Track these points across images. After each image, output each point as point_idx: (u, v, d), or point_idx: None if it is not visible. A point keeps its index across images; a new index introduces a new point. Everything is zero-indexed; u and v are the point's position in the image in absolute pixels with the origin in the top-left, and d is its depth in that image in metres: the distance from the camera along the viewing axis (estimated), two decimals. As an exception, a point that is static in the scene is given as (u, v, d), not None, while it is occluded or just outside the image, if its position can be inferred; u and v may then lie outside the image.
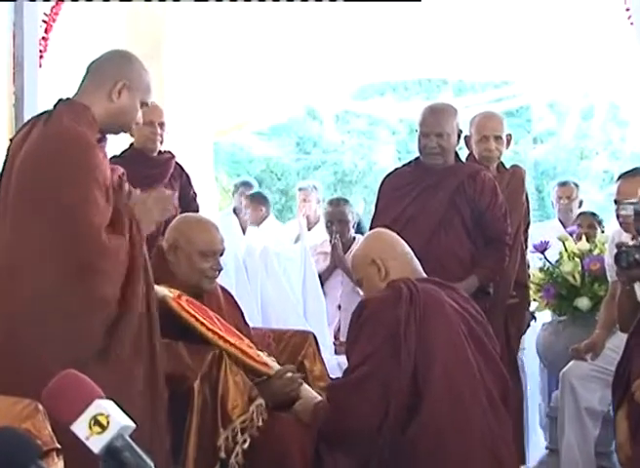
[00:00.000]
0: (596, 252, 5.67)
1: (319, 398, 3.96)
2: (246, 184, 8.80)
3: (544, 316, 6.01)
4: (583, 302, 5.57)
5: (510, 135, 5.56)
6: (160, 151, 5.60)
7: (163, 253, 4.15)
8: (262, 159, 16.87)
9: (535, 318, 5.92)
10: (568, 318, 5.69)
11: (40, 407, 2.78)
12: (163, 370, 3.42)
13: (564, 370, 5.13)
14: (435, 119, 5.10)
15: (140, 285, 3.30)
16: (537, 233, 6.28)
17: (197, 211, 5.65)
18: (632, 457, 4.03)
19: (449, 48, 8.32)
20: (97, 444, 1.71)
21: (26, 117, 4.99)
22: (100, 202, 3.23)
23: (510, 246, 5.18)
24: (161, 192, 3.53)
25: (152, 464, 1.73)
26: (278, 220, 9.47)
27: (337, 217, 6.68)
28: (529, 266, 5.73)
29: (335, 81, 8.51)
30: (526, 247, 5.62)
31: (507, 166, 5.65)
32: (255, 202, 8.44)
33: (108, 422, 1.71)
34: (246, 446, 3.68)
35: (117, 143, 5.32)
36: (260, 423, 3.73)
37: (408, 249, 4.01)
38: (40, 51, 5.97)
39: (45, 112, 3.42)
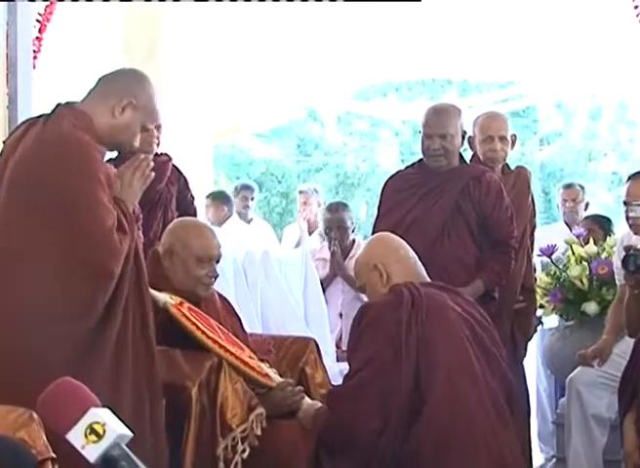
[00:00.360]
0: (604, 255, 5.59)
1: (320, 404, 3.94)
2: (247, 188, 8.72)
3: (549, 321, 5.94)
4: (591, 307, 5.52)
5: (515, 135, 5.50)
6: (156, 154, 5.52)
7: (159, 257, 4.10)
8: (263, 161, 16.91)
9: (542, 323, 5.84)
10: (575, 323, 5.65)
11: (35, 415, 2.78)
12: (160, 378, 3.38)
13: (571, 376, 5.10)
14: (439, 120, 5.04)
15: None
16: (543, 236, 6.23)
17: (195, 214, 5.59)
18: (642, 466, 4.01)
19: (453, 47, 8.31)
20: (92, 453, 1.70)
21: (20, 118, 4.97)
22: (107, 204, 3.22)
23: (517, 249, 5.11)
24: (133, 159, 3.42)
25: (149, 474, 1.72)
26: (279, 224, 9.41)
27: (335, 224, 6.62)
28: (535, 270, 5.65)
29: (336, 81, 8.49)
30: (532, 250, 5.56)
31: (512, 167, 5.57)
32: (217, 201, 8.33)
33: (104, 431, 1.71)
34: (245, 455, 3.65)
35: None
36: (260, 432, 3.68)
37: (412, 253, 3.98)
38: (34, 51, 5.97)
39: (42, 115, 3.38)
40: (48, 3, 6.24)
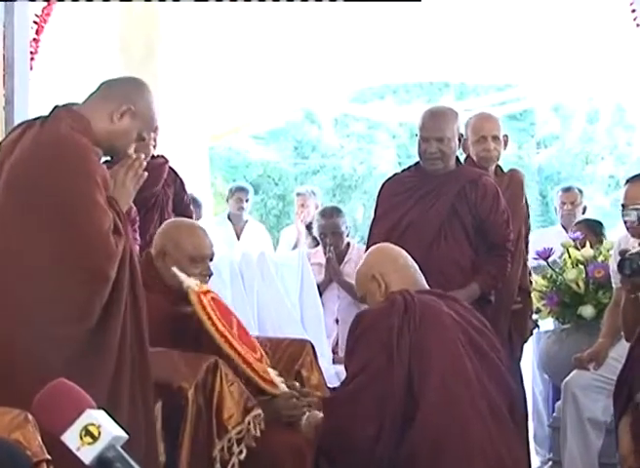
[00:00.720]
0: (600, 258, 5.59)
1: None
2: (242, 190, 8.68)
3: (545, 324, 5.94)
4: (587, 310, 5.51)
5: (507, 136, 5.51)
6: (153, 156, 5.52)
7: (152, 259, 4.10)
8: (260, 164, 16.90)
9: (538, 326, 5.83)
10: (571, 326, 5.64)
11: (30, 417, 2.77)
12: (153, 380, 3.36)
13: (566, 379, 5.10)
14: (435, 123, 5.03)
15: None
16: (539, 239, 6.22)
17: (191, 216, 5.58)
18: (637, 470, 4.00)
19: (451, 50, 8.29)
20: (88, 454, 1.69)
21: (17, 120, 4.96)
22: (104, 206, 3.21)
23: (512, 252, 5.10)
24: (126, 159, 3.41)
25: (144, 475, 1.71)
26: (276, 226, 9.41)
27: (330, 230, 6.59)
28: (531, 273, 5.64)
29: (333, 84, 8.47)
30: (527, 252, 5.56)
31: (510, 169, 5.58)
32: None
33: (100, 432, 1.70)
34: (242, 456, 3.63)
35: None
36: (258, 434, 3.67)
37: (411, 261, 3.97)
38: (31, 52, 5.96)
39: (39, 117, 3.37)
40: (45, 4, 6.23)
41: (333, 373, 5.53)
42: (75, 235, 3.16)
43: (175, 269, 3.93)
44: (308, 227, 7.57)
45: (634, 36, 6.83)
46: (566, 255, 5.70)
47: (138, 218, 5.14)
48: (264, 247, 8.14)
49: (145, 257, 4.08)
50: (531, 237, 5.68)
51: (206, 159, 8.04)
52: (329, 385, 4.47)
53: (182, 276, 3.84)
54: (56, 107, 3.36)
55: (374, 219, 5.24)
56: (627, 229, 4.80)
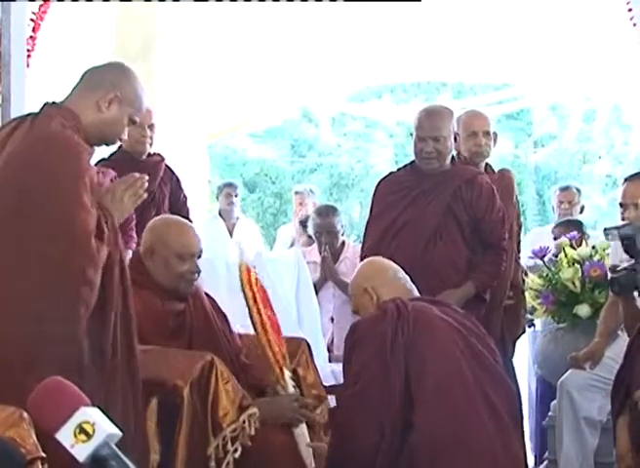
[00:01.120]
0: (596, 257, 5.58)
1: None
2: (230, 186, 8.66)
3: (538, 322, 5.95)
4: (583, 309, 5.50)
5: (496, 133, 5.53)
6: (149, 154, 5.52)
7: (140, 257, 4.10)
8: (257, 162, 16.91)
9: (534, 325, 5.82)
10: (567, 325, 5.62)
11: (25, 414, 2.77)
12: (140, 376, 3.35)
13: (562, 378, 5.09)
14: (432, 123, 5.02)
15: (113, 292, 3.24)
16: (536, 238, 6.22)
17: (188, 214, 5.57)
18: (635, 468, 4.00)
19: (448, 50, 8.28)
20: (82, 452, 1.69)
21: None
22: (90, 208, 3.19)
23: (507, 251, 5.11)
24: (129, 177, 3.41)
25: (138, 473, 1.71)
26: (273, 225, 9.41)
27: (325, 229, 6.60)
28: (527, 273, 5.64)
29: (331, 83, 8.47)
30: (519, 250, 5.60)
31: (504, 169, 5.59)
32: None
33: (94, 430, 1.70)
34: (237, 455, 3.63)
35: (105, 146, 5.23)
36: (253, 432, 3.67)
37: (401, 272, 4.02)
38: (28, 50, 5.95)
39: (30, 114, 3.37)
40: (42, 2, 6.23)
41: (328, 372, 5.53)
42: (58, 235, 3.15)
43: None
44: (303, 225, 7.57)
45: (631, 36, 6.83)
46: (562, 255, 5.71)
47: (134, 217, 5.14)
48: (257, 244, 8.15)
49: (134, 256, 4.09)
50: (527, 236, 5.69)
51: (204, 157, 8.04)
52: (324, 383, 4.47)
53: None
54: (45, 104, 3.35)
55: (369, 219, 5.24)
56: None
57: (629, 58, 7.16)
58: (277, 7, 7.73)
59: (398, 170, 5.37)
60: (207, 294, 4.32)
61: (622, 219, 4.81)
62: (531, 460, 6.12)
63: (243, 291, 3.94)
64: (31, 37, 6.09)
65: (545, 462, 5.66)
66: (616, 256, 4.93)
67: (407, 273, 4.86)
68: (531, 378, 6.64)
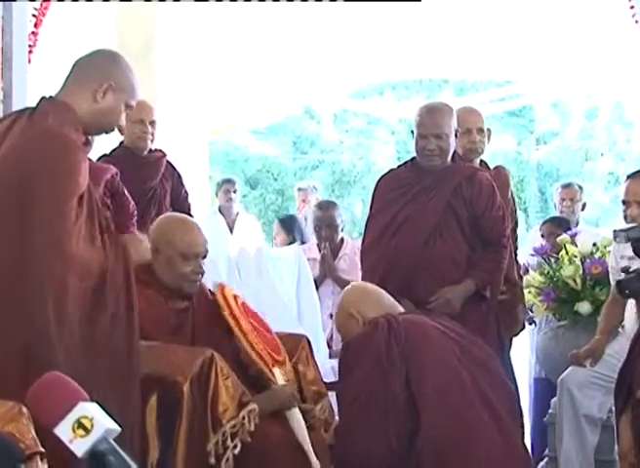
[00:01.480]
0: (598, 255, 5.58)
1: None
2: (228, 182, 8.64)
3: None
4: (584, 307, 5.51)
5: (489, 129, 5.49)
6: (151, 150, 5.53)
7: (144, 256, 4.10)
8: (258, 158, 16.91)
9: (534, 322, 5.81)
10: (568, 322, 5.62)
11: (24, 409, 2.76)
12: (139, 372, 3.32)
13: (563, 375, 5.09)
14: (433, 120, 5.00)
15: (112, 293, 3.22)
16: (538, 236, 6.19)
17: (189, 210, 5.58)
18: (638, 465, 3.99)
19: (450, 47, 8.28)
20: (80, 447, 1.71)
21: (16, 114, 4.91)
22: (75, 209, 3.17)
23: (507, 248, 5.10)
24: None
25: (136, 468, 1.71)
26: (274, 221, 9.41)
27: (325, 222, 6.63)
28: (528, 271, 5.64)
29: (333, 79, 8.47)
30: (516, 247, 5.56)
31: (505, 165, 5.58)
32: None
33: (92, 425, 1.71)
34: (237, 451, 3.62)
35: (107, 142, 5.25)
36: (252, 428, 3.66)
37: (385, 295, 4.10)
38: (29, 46, 5.95)
39: (27, 109, 3.36)
40: (43, 0, 6.23)
41: (329, 368, 5.52)
42: (36, 233, 3.12)
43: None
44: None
45: (633, 33, 6.83)
46: (563, 252, 5.71)
47: (136, 212, 5.15)
48: (257, 240, 8.15)
49: (137, 254, 4.07)
50: (529, 233, 5.68)
51: (205, 154, 8.04)
52: (325, 380, 4.46)
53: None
54: (42, 99, 3.33)
55: (369, 215, 5.22)
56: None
57: (631, 56, 7.17)
58: (279, 5, 7.74)
59: (398, 167, 5.35)
60: (212, 292, 4.28)
61: (625, 217, 4.80)
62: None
63: (222, 314, 3.93)
64: (33, 33, 6.09)
65: (545, 459, 5.67)
66: (617, 254, 4.93)
67: (407, 270, 4.88)
68: (531, 376, 6.64)
